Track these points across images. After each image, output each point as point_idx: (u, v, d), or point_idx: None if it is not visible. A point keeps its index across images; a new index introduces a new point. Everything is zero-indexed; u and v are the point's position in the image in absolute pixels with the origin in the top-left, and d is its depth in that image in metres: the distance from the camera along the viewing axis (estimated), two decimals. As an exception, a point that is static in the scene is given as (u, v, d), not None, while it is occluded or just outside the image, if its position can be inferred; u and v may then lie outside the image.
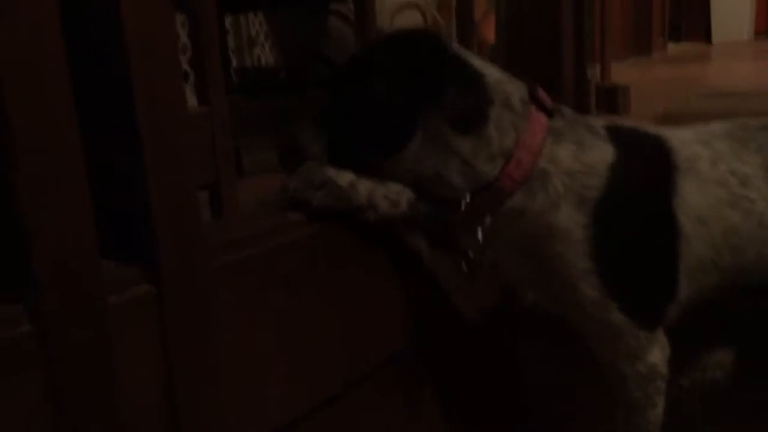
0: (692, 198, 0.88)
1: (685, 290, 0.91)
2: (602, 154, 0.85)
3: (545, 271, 0.86)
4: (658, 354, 0.90)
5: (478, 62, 0.83)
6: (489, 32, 2.10)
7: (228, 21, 1.34)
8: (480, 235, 0.83)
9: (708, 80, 2.46)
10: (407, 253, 0.92)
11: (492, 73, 0.83)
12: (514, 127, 0.81)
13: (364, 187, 0.82)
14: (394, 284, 0.93)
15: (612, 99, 1.78)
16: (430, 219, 0.86)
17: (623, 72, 2.31)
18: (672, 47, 3.90)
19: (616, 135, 0.87)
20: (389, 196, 0.83)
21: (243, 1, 1.15)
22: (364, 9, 1.06)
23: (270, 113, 1.12)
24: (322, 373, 0.82)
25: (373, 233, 0.88)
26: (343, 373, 0.85)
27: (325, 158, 0.83)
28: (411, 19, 1.30)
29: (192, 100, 0.80)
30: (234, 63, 1.38)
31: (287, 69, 1.22)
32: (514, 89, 0.83)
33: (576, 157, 0.83)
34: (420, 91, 0.80)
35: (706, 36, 4.45)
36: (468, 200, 0.82)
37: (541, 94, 0.85)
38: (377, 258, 0.89)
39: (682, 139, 0.92)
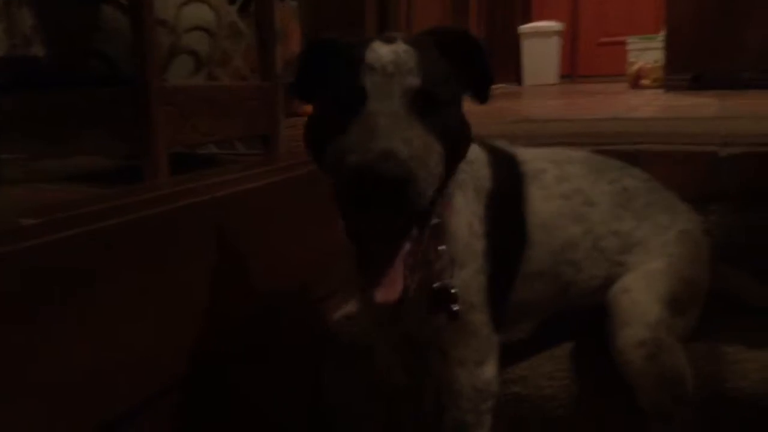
0: (538, 205, 0.92)
1: (518, 294, 0.92)
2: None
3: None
4: (493, 368, 0.88)
5: None
6: (294, 43, 2.07)
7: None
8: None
9: (518, 112, 2.64)
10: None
11: None
12: None
13: None
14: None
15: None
16: None
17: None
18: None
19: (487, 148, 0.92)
20: None
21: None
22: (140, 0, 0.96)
23: (33, 111, 0.98)
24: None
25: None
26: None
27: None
28: (198, 14, 1.21)
29: None
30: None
31: (56, 63, 1.08)
32: None
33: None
34: None
35: (517, 79, 4.86)
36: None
37: None
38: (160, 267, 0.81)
39: (533, 155, 0.97)
